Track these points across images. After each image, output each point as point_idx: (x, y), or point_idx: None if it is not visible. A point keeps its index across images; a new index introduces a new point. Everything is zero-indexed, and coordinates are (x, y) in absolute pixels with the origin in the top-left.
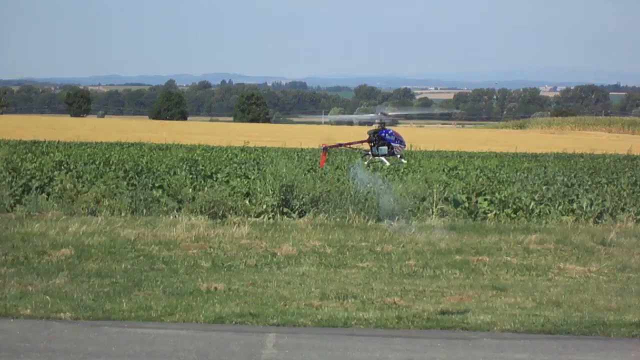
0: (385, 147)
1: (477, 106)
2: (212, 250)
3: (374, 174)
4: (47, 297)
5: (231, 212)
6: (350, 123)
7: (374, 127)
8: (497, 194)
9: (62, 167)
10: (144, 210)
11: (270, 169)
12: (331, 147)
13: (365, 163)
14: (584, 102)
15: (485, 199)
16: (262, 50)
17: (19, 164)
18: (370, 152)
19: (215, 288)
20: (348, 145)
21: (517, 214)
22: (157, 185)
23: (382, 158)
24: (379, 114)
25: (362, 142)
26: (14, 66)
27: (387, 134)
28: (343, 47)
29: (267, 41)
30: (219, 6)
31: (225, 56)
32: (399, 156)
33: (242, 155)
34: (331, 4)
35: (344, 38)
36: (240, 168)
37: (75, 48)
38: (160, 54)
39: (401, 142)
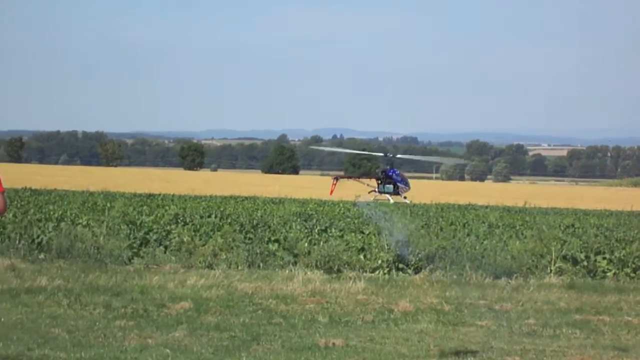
0: (391, 186)
1: (590, 163)
2: (328, 305)
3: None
4: (167, 350)
5: (346, 266)
6: (461, 179)
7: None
8: (615, 253)
9: (179, 221)
10: (260, 264)
11: (385, 224)
12: (341, 177)
13: (372, 199)
14: None
15: (604, 258)
16: (373, 104)
17: (136, 216)
18: (377, 189)
19: (333, 344)
20: (358, 179)
21: (637, 273)
22: (273, 239)
23: (388, 195)
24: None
25: (370, 177)
26: (128, 119)
27: (394, 174)
28: (455, 102)
29: (379, 95)
30: (330, 60)
31: (336, 111)
32: (403, 196)
33: (355, 209)
34: (444, 57)
35: (456, 93)
36: (354, 222)
37: (189, 102)
38: (273, 109)
39: (406, 184)
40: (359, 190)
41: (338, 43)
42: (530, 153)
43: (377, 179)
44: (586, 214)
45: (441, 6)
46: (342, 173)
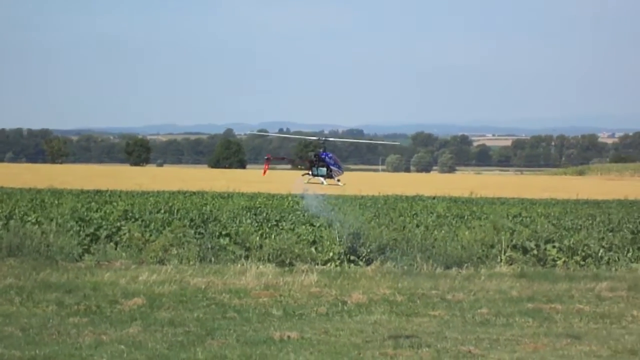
0: (325, 169)
1: (535, 153)
2: (282, 298)
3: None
4: (122, 346)
5: (298, 259)
6: (407, 170)
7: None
8: (565, 241)
9: (128, 217)
10: (212, 259)
11: (338, 217)
12: (274, 159)
13: (305, 181)
14: None
15: (553, 246)
16: (318, 98)
17: (85, 213)
18: (310, 172)
19: (289, 337)
20: (291, 161)
21: (586, 261)
22: (224, 233)
23: (321, 178)
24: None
25: (303, 160)
26: (72, 116)
27: (327, 157)
28: (399, 95)
29: (323, 89)
30: (273, 55)
31: (281, 104)
32: (336, 179)
33: (304, 202)
34: (385, 51)
35: (400, 85)
36: (304, 216)
37: (132, 97)
38: (217, 103)
39: (339, 167)
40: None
41: (281, 35)
42: (475, 144)
43: (310, 162)
44: (533, 203)
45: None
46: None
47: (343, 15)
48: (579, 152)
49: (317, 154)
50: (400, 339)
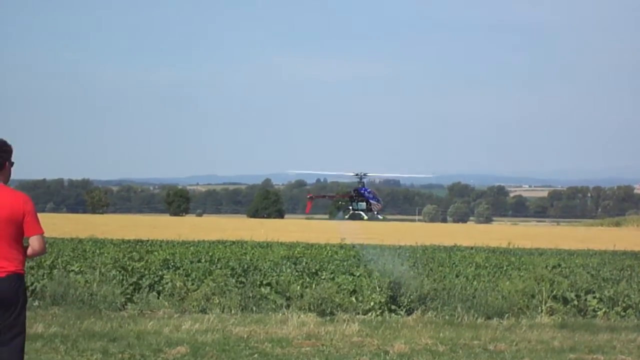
0: (364, 203)
1: (571, 204)
2: (324, 347)
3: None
4: None
5: (339, 309)
6: (443, 220)
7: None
8: (605, 292)
9: (170, 266)
10: (254, 308)
11: (377, 266)
12: (317, 197)
13: (346, 217)
14: None
15: (594, 297)
16: (355, 148)
17: (127, 262)
18: (350, 207)
19: None
20: (332, 197)
21: (627, 312)
22: (264, 282)
23: (361, 212)
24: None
25: (344, 196)
26: (113, 167)
27: (366, 192)
28: (436, 145)
29: (361, 139)
30: (313, 108)
31: (319, 155)
32: (375, 212)
33: (342, 252)
34: (423, 103)
35: (436, 136)
36: (343, 265)
37: (173, 148)
38: (257, 154)
39: (378, 201)
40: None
41: (319, 88)
42: (512, 194)
43: (350, 197)
44: (570, 253)
45: (419, 52)
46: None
47: (376, 64)
48: (615, 203)
49: (356, 189)
50: None
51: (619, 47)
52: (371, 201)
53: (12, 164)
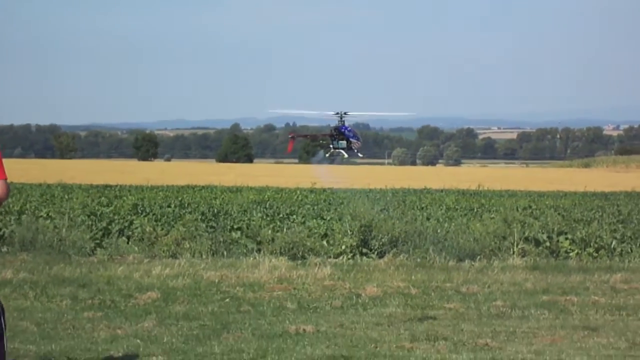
0: (344, 142)
1: (540, 145)
2: (296, 291)
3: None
4: (138, 340)
5: (310, 253)
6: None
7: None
8: (577, 233)
9: (139, 211)
10: (225, 252)
11: (348, 209)
12: (298, 136)
13: (327, 155)
14: None
15: (566, 238)
16: (323, 91)
17: (96, 208)
18: (331, 145)
19: (304, 330)
20: (314, 137)
21: (599, 252)
22: (235, 227)
23: (341, 150)
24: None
25: (324, 135)
26: (80, 112)
27: (346, 130)
28: (405, 88)
29: (328, 82)
30: (279, 50)
31: (288, 99)
32: (356, 150)
33: (312, 196)
34: (392, 45)
35: (405, 79)
36: (314, 209)
37: (141, 93)
38: (225, 98)
39: (357, 139)
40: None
41: (288, 31)
42: (480, 137)
43: (330, 136)
44: (540, 195)
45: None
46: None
47: (350, 11)
48: (584, 144)
49: (336, 127)
50: (416, 331)
51: None
52: (351, 139)
53: None
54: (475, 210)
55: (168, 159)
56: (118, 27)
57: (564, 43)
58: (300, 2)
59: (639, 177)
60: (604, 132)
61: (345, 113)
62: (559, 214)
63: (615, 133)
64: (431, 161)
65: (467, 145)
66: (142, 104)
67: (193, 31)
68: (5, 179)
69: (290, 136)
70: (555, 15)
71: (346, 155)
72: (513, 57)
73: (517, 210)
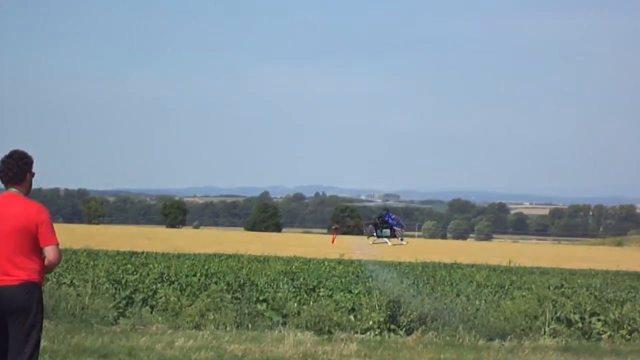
0: (388, 230)
1: (572, 222)
2: None
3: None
4: None
5: (336, 327)
6: (443, 237)
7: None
8: (610, 314)
9: (164, 280)
10: (249, 325)
11: (377, 284)
12: (342, 226)
13: (371, 242)
14: None
15: (598, 319)
16: (355, 162)
17: (120, 275)
18: (375, 234)
19: None
20: (356, 225)
21: (632, 335)
22: (261, 299)
23: (385, 239)
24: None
25: (368, 223)
26: (110, 177)
27: (390, 219)
28: (436, 160)
29: (361, 153)
30: (312, 119)
31: (318, 168)
32: (399, 238)
33: (340, 267)
34: (424, 118)
35: (437, 151)
36: (341, 282)
37: (171, 159)
38: (256, 166)
39: (402, 227)
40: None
41: (319, 102)
42: (512, 212)
43: (375, 225)
44: (572, 273)
45: (419, 69)
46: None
47: (382, 82)
48: (617, 222)
49: (380, 216)
50: None
51: (618, 65)
52: (395, 227)
53: (32, 174)
54: (507, 287)
55: (196, 226)
56: (149, 92)
57: (599, 118)
58: (332, 71)
59: None
60: (637, 211)
61: (388, 202)
62: (591, 293)
63: None
64: (462, 235)
65: (498, 219)
66: (171, 170)
67: (226, 97)
68: (57, 244)
69: (334, 227)
70: (593, 89)
71: (390, 244)
72: (547, 130)
73: (549, 288)
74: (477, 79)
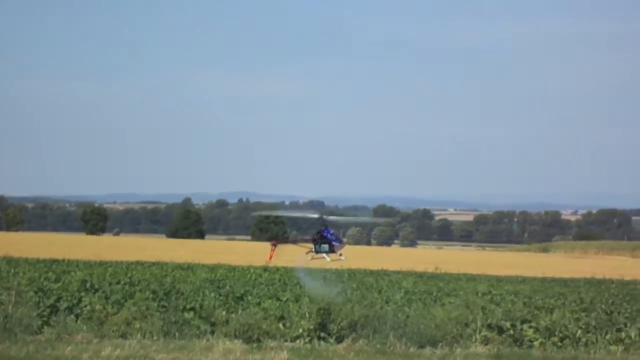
0: (327, 245)
1: (497, 228)
2: None
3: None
4: None
5: (266, 336)
6: (368, 243)
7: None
8: (541, 321)
9: (88, 288)
10: (176, 333)
11: (304, 291)
12: (279, 242)
13: (309, 258)
14: (606, 226)
15: (530, 327)
16: (279, 168)
17: (43, 283)
18: (313, 250)
19: None
20: (294, 242)
21: (564, 342)
22: (188, 307)
23: (324, 254)
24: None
25: (306, 240)
26: (28, 183)
27: (328, 234)
28: (361, 167)
29: (284, 160)
30: (235, 126)
31: (242, 175)
32: (338, 253)
33: (266, 275)
34: (347, 122)
35: (361, 157)
36: (268, 289)
37: (91, 165)
38: (177, 173)
39: (340, 242)
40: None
41: (242, 105)
42: (437, 218)
43: (313, 240)
44: (499, 280)
45: (342, 72)
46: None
47: (302, 85)
48: (541, 228)
49: (319, 232)
50: None
51: (549, 71)
52: (334, 243)
53: None
54: (434, 294)
55: (117, 233)
56: (69, 96)
57: (522, 126)
58: (253, 75)
59: (597, 264)
60: (562, 217)
61: (326, 216)
62: (519, 300)
63: (573, 218)
64: (386, 241)
65: (423, 226)
66: (91, 176)
67: (145, 103)
68: None
69: (272, 244)
70: (517, 95)
71: (328, 259)
72: (471, 137)
73: (477, 295)
74: (393, 80)
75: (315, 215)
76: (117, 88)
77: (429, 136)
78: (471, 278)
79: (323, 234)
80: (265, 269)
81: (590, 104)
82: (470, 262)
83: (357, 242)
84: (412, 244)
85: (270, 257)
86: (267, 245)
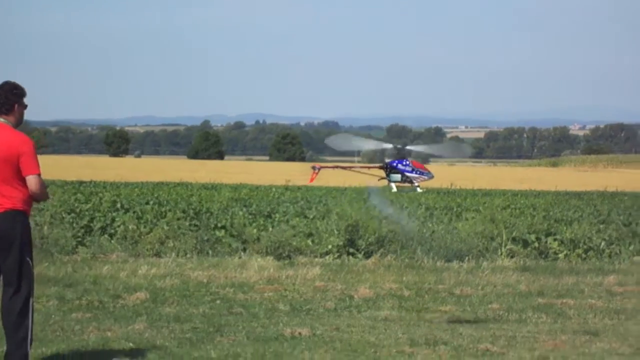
0: (398, 175)
1: (507, 144)
2: (287, 292)
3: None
4: (130, 343)
5: (296, 252)
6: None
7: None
8: (565, 234)
9: (118, 208)
10: (209, 251)
11: (336, 208)
12: (324, 167)
13: (394, 189)
14: (614, 141)
15: (555, 239)
16: (294, 89)
17: (74, 204)
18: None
19: (300, 333)
20: (346, 168)
21: (588, 254)
22: (219, 225)
23: (392, 184)
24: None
25: (370, 167)
26: (50, 108)
27: (400, 164)
28: (375, 87)
29: (300, 81)
30: (252, 47)
31: (258, 96)
32: (416, 184)
33: (288, 194)
34: (363, 44)
35: (376, 78)
36: (294, 207)
37: (111, 89)
38: (195, 95)
39: (422, 174)
40: (353, 180)
41: (258, 29)
42: (448, 135)
43: (384, 169)
44: (514, 194)
45: None
46: (266, 157)
47: (321, 11)
48: (550, 143)
49: (387, 163)
50: (414, 335)
51: None
52: (409, 174)
53: (24, 106)
54: (455, 209)
55: (138, 155)
56: (91, 25)
57: (531, 44)
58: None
59: (607, 177)
60: (570, 132)
61: (402, 147)
62: (539, 214)
63: (581, 133)
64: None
65: (435, 143)
66: (111, 100)
67: (164, 29)
68: (37, 174)
69: (317, 167)
70: (524, 15)
71: (394, 189)
72: (482, 56)
73: (498, 209)
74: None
75: (390, 146)
76: (144, 16)
77: (441, 55)
78: (486, 193)
79: (392, 165)
80: (286, 188)
81: (595, 20)
82: (484, 178)
83: (371, 161)
84: (425, 161)
85: (312, 180)
86: (284, 164)
